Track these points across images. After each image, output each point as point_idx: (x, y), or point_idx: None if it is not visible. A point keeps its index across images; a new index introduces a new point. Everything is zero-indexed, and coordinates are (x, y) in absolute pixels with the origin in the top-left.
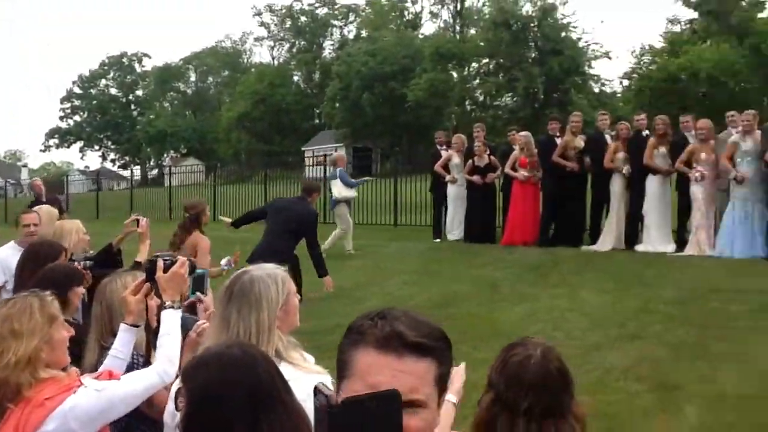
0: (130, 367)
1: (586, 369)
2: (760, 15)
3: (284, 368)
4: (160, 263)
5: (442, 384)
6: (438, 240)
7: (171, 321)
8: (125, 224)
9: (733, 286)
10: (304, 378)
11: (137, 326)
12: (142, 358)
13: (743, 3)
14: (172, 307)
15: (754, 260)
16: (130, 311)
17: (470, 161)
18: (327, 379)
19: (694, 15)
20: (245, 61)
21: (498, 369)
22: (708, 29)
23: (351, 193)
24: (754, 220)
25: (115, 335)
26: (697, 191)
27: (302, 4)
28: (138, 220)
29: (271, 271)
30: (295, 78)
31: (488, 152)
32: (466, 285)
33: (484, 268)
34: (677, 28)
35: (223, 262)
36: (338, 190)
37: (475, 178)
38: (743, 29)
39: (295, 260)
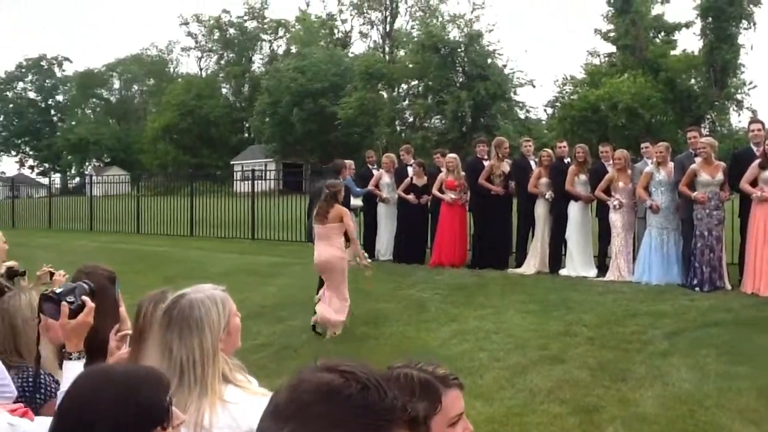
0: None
1: (511, 391)
2: (672, 52)
3: (232, 391)
4: (65, 308)
5: None
6: (370, 260)
7: (75, 374)
8: (37, 276)
9: (650, 311)
10: (251, 400)
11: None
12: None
13: (657, 40)
14: (79, 358)
15: (670, 286)
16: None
17: (408, 180)
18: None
19: (613, 48)
20: (171, 70)
21: None
22: (625, 62)
23: (357, 202)
24: (670, 247)
25: (20, 354)
26: (615, 218)
27: (230, 16)
28: (51, 273)
29: (210, 292)
30: (224, 90)
31: (425, 173)
32: (395, 304)
33: (412, 288)
34: (597, 61)
35: None
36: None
37: (411, 197)
38: (657, 64)
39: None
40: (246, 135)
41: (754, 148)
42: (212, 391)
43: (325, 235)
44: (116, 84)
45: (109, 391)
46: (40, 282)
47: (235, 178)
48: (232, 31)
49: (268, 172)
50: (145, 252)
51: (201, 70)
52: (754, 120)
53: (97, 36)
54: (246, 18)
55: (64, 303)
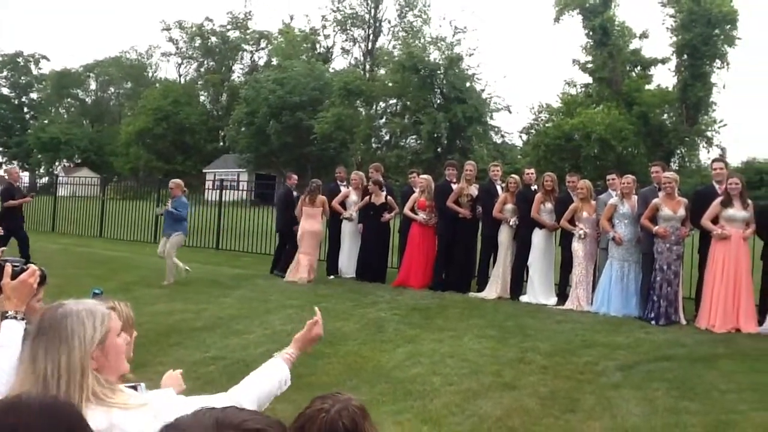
0: None
1: (460, 417)
2: (647, 86)
3: (99, 415)
4: (8, 268)
5: None
6: (332, 277)
7: (11, 332)
8: None
9: (606, 342)
10: (123, 416)
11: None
12: None
13: (633, 74)
14: (15, 318)
15: (628, 318)
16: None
17: (366, 199)
18: (147, 412)
19: (589, 80)
20: (150, 75)
21: (294, 419)
22: (601, 94)
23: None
24: (630, 280)
25: None
26: (578, 248)
27: (213, 25)
28: None
29: (91, 306)
30: (202, 98)
31: (385, 192)
32: (353, 323)
33: (372, 307)
34: (573, 91)
35: None
36: None
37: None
38: (632, 98)
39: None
40: (221, 144)
41: (716, 186)
42: None
43: (313, 214)
44: (93, 85)
45: None
46: None
47: (206, 186)
48: (213, 39)
49: (240, 183)
50: (106, 257)
51: (180, 76)
52: (717, 159)
53: (77, 36)
54: (229, 27)
55: (8, 264)
